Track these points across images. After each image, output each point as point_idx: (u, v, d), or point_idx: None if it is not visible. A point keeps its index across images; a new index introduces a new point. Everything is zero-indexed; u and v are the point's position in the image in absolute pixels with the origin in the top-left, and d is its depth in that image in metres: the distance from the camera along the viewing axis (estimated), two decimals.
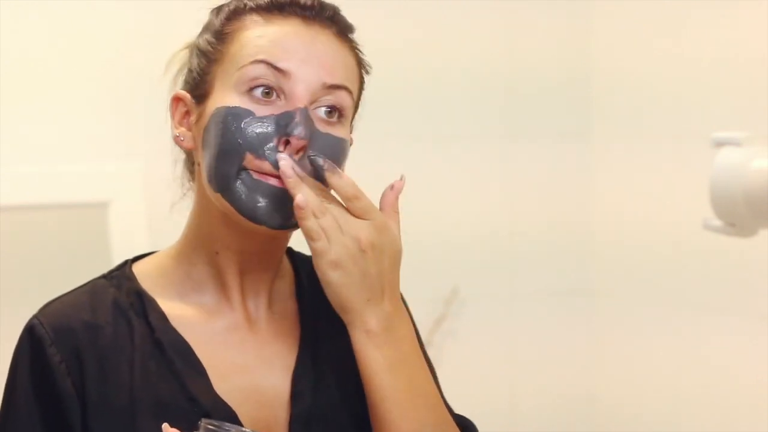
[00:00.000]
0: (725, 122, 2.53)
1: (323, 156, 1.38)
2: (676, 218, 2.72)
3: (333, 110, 1.41)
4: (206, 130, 1.41)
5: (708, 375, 2.67)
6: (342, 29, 1.45)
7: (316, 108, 1.40)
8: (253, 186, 1.38)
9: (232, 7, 1.46)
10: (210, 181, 1.40)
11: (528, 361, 2.98)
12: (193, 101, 1.45)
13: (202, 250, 1.46)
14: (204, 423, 1.30)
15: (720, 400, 2.63)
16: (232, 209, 1.39)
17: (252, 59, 1.40)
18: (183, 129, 1.46)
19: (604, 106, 2.95)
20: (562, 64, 2.97)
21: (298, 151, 1.38)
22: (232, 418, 1.40)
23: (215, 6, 1.49)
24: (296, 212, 1.35)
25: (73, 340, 1.41)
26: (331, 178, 1.37)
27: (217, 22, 1.46)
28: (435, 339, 2.80)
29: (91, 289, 1.47)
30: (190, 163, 1.51)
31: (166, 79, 1.52)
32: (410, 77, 2.84)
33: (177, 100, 1.46)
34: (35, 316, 1.44)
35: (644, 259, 2.84)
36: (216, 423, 1.29)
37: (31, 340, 1.42)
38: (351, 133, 1.47)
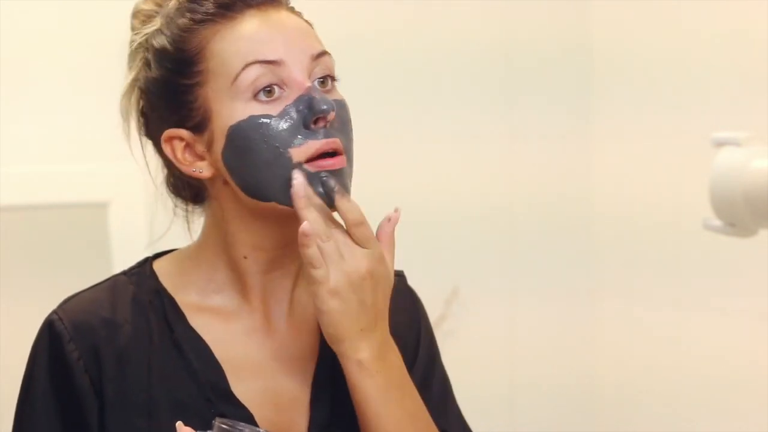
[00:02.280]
0: (728, 95, 2.53)
1: (335, 179, 1.37)
2: (677, 195, 2.71)
3: (325, 78, 1.41)
4: (228, 150, 1.39)
5: (708, 357, 2.66)
6: (286, 4, 1.45)
7: (312, 79, 1.40)
8: (312, 178, 1.37)
9: (178, 27, 1.42)
10: (257, 191, 1.39)
11: (528, 347, 2.98)
12: (191, 133, 1.42)
13: (225, 256, 1.45)
14: (218, 422, 1.30)
15: (720, 381, 2.63)
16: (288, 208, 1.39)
17: (243, 64, 1.38)
18: (197, 162, 1.42)
19: (604, 79, 2.94)
20: (562, 37, 2.96)
21: (331, 118, 1.38)
22: (249, 419, 1.40)
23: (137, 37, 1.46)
24: (300, 239, 1.35)
25: (92, 337, 1.41)
26: (340, 201, 1.36)
27: (171, 48, 1.41)
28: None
29: (112, 285, 1.47)
30: (187, 185, 1.48)
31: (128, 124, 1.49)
32: (407, 50, 2.84)
33: (170, 139, 1.43)
34: (54, 312, 1.44)
35: (645, 240, 2.83)
36: (230, 422, 1.30)
37: (50, 335, 1.42)
38: None
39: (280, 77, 1.39)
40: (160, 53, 1.43)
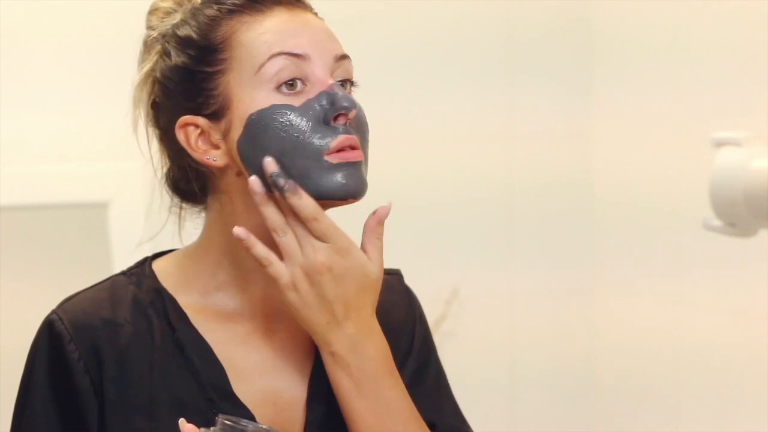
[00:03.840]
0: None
1: (285, 176, 1.37)
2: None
3: (345, 82, 1.44)
4: (245, 138, 1.40)
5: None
6: (311, 9, 1.48)
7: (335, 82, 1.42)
8: (331, 168, 1.38)
9: (206, 17, 1.43)
10: (277, 179, 1.39)
11: (528, 346, 2.98)
12: (208, 120, 1.42)
13: (230, 252, 1.45)
14: (221, 418, 1.30)
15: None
16: (314, 196, 1.39)
17: (269, 55, 1.40)
18: (210, 150, 1.43)
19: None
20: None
21: (352, 116, 1.39)
22: (249, 419, 1.39)
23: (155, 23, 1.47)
24: (240, 238, 1.38)
25: (93, 337, 1.41)
26: (291, 198, 1.37)
27: (196, 37, 1.43)
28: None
29: (111, 285, 1.47)
30: (195, 177, 1.48)
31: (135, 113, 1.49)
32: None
33: (185, 126, 1.43)
34: (54, 312, 1.43)
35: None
36: (233, 419, 1.30)
37: (50, 335, 1.41)
38: None
39: (304, 72, 1.40)
40: (184, 41, 1.44)
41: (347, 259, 1.39)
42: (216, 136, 1.42)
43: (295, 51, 1.40)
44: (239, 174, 1.42)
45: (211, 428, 1.30)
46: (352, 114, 1.39)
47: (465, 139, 2.91)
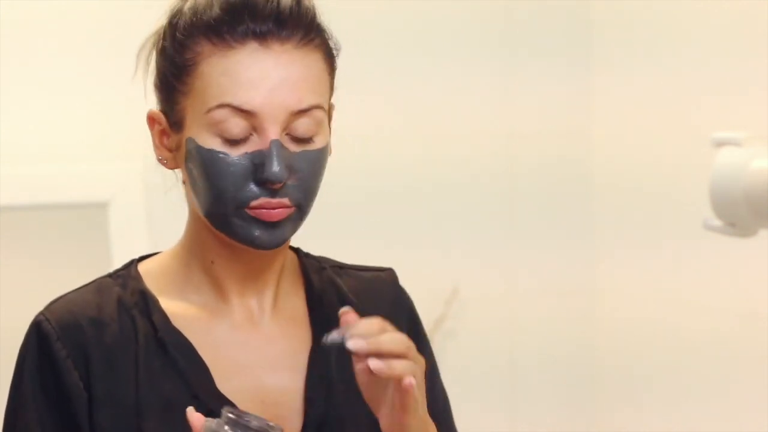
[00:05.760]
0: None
1: (333, 335, 1.34)
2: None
3: (302, 140, 1.40)
4: (188, 161, 1.41)
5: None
6: (305, 31, 1.41)
7: (289, 132, 1.39)
8: (249, 221, 1.39)
9: (182, 31, 1.41)
10: (207, 216, 1.41)
11: (528, 346, 2.98)
12: (169, 127, 1.43)
13: (198, 257, 1.46)
14: (225, 411, 1.31)
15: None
16: (228, 238, 1.42)
17: (217, 103, 1.38)
18: (164, 151, 1.45)
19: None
20: None
21: (277, 187, 1.38)
22: None
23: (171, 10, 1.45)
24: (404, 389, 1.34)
25: (80, 335, 1.42)
26: (360, 346, 1.33)
27: (171, 49, 1.42)
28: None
29: (97, 287, 1.48)
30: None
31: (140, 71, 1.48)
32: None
33: (152, 120, 1.45)
34: (41, 313, 1.45)
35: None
36: (237, 412, 1.31)
37: (38, 336, 1.43)
38: (330, 99, 1.46)
39: (252, 124, 1.38)
40: (164, 50, 1.43)
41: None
42: (170, 142, 1.44)
43: (243, 107, 1.37)
44: (185, 182, 1.44)
45: (215, 420, 1.31)
46: (276, 186, 1.37)
47: (465, 138, 2.91)
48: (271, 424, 1.31)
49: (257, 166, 1.37)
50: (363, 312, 1.40)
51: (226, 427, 1.29)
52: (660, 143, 2.79)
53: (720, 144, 1.91)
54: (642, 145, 2.85)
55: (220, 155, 1.38)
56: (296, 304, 1.50)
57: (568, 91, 2.96)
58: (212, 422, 1.31)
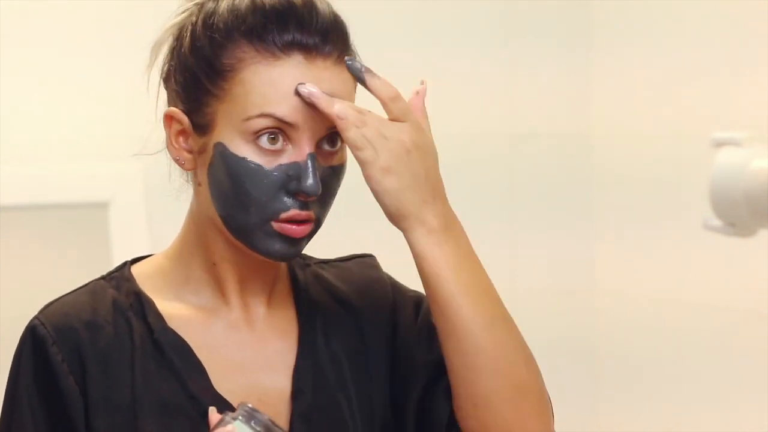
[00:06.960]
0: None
1: (358, 59, 1.39)
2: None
3: (334, 137, 1.40)
4: (213, 167, 1.39)
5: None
6: (342, 49, 1.41)
7: (318, 146, 1.39)
8: (273, 235, 1.38)
9: (221, 32, 1.39)
10: (225, 221, 1.40)
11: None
12: (192, 128, 1.41)
13: (200, 258, 1.46)
14: (241, 404, 1.32)
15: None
16: (244, 246, 1.41)
17: (259, 112, 1.37)
18: (182, 152, 1.43)
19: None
20: None
21: (311, 200, 1.39)
22: None
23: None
24: (337, 123, 1.35)
25: (75, 339, 1.41)
26: (371, 80, 1.37)
27: (207, 50, 1.39)
28: None
29: (91, 289, 1.47)
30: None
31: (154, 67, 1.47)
32: None
33: (171, 118, 1.43)
34: (36, 317, 1.44)
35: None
36: (250, 408, 1.32)
37: (33, 340, 1.42)
38: None
39: (290, 135, 1.38)
40: (198, 48, 1.40)
41: (425, 136, 1.39)
42: (191, 143, 1.42)
43: (286, 119, 1.36)
44: (200, 185, 1.43)
45: (231, 414, 1.32)
46: (311, 199, 1.37)
47: (465, 138, 2.91)
48: (280, 426, 1.32)
49: (291, 178, 1.37)
50: (349, 294, 1.45)
51: (242, 419, 1.31)
52: (660, 143, 2.79)
53: (720, 144, 1.91)
54: (642, 144, 2.85)
55: (254, 165, 1.37)
56: (285, 302, 1.50)
57: (569, 91, 2.97)
58: (230, 415, 1.32)
